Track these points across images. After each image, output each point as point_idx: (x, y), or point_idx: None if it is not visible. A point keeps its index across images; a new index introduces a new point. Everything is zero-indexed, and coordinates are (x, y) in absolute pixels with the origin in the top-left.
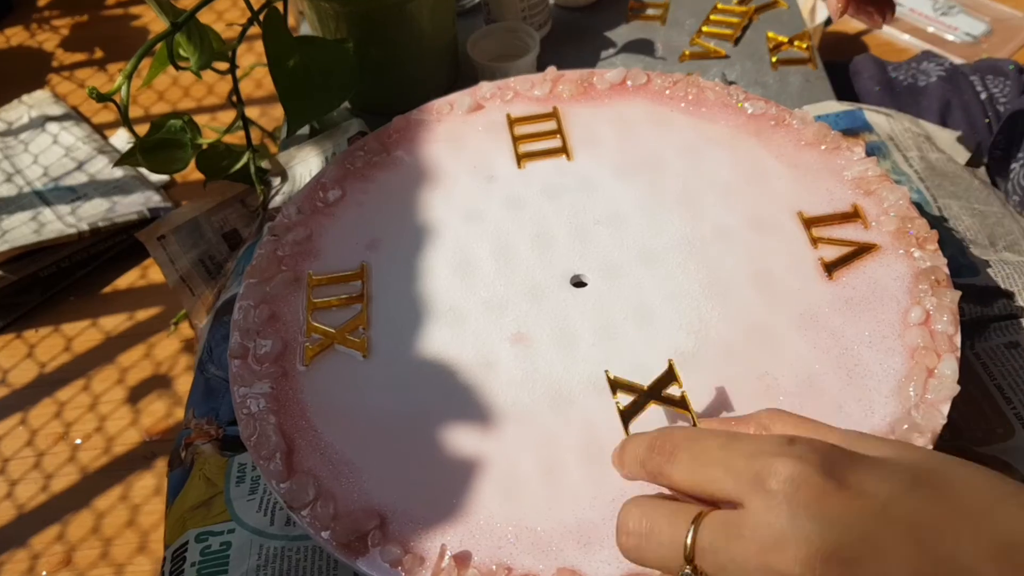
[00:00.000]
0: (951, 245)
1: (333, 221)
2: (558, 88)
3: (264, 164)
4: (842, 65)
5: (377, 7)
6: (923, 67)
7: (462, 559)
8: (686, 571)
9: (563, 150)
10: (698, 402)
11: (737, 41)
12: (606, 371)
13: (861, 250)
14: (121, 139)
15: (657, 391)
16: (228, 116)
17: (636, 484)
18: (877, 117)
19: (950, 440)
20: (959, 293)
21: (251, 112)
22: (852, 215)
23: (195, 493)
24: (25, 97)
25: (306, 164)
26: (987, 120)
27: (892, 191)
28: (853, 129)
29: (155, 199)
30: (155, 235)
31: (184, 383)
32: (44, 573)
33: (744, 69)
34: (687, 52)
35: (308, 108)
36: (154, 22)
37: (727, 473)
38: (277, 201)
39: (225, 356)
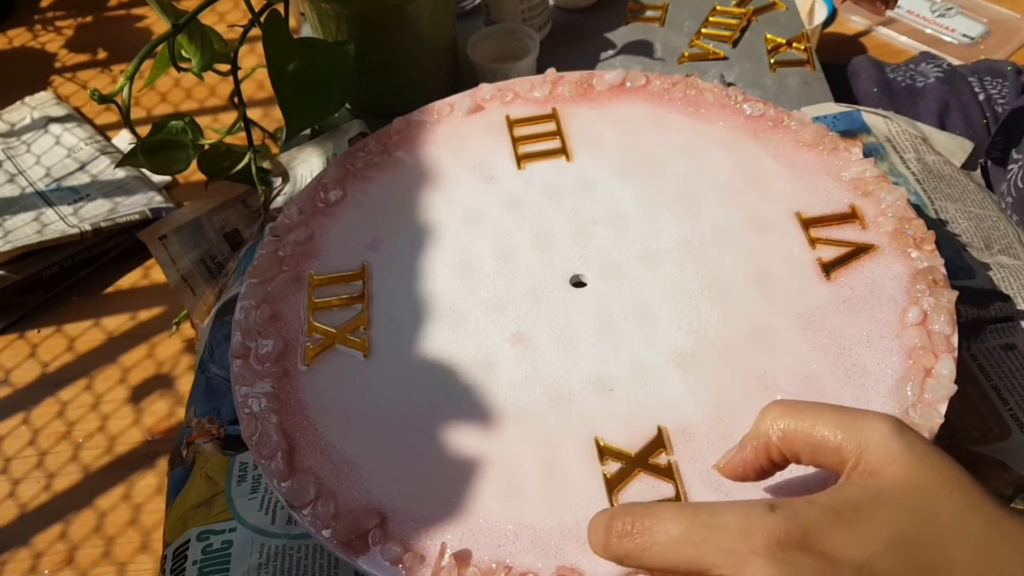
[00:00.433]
0: (948, 247)
1: (334, 221)
2: (558, 89)
3: (265, 165)
4: (840, 67)
5: (378, 9)
6: (921, 68)
7: (462, 557)
8: None
9: (563, 151)
10: (696, 401)
11: (736, 43)
12: (596, 438)
13: (859, 250)
14: (123, 140)
15: (644, 459)
16: (230, 117)
17: (636, 483)
18: (875, 119)
19: (947, 439)
20: (956, 293)
21: (253, 113)
22: (850, 216)
23: (196, 492)
24: (28, 98)
25: (307, 165)
26: (985, 121)
27: (890, 192)
28: (851, 131)
29: (157, 199)
30: (157, 235)
31: (186, 383)
32: (46, 572)
33: (743, 70)
34: (686, 53)
35: (307, 113)
36: (156, 24)
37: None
38: (278, 201)
39: (226, 356)
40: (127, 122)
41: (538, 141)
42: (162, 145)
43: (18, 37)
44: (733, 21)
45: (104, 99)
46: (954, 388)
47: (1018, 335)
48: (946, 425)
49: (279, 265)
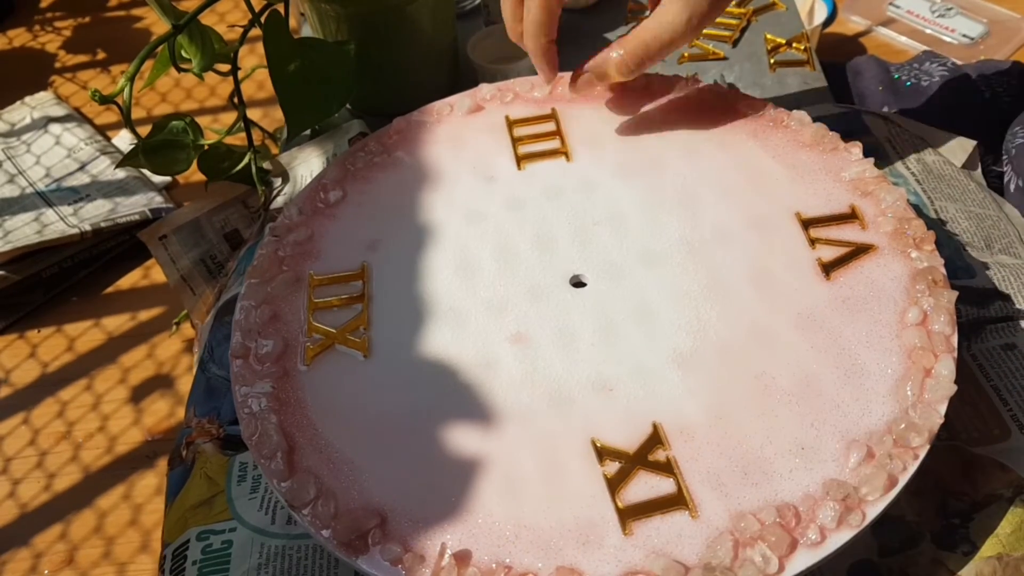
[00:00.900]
0: (948, 247)
1: (334, 222)
2: (558, 89)
3: (265, 165)
4: (840, 67)
5: (378, 9)
6: (925, 67)
7: (462, 557)
8: None
9: (563, 151)
10: (696, 401)
11: (735, 43)
12: (593, 439)
13: (859, 251)
14: (124, 140)
15: (643, 456)
16: (230, 117)
17: (636, 482)
18: (874, 119)
19: (947, 439)
20: (956, 293)
21: (253, 113)
22: (850, 216)
23: (196, 492)
24: (27, 98)
25: (307, 165)
26: (992, 118)
27: (890, 192)
28: (850, 131)
29: (157, 200)
30: (157, 235)
31: (186, 383)
32: (46, 572)
33: (742, 71)
34: (686, 54)
35: (307, 114)
36: (156, 24)
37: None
38: (278, 202)
39: (226, 356)
40: (128, 122)
41: (538, 141)
42: (162, 145)
43: (18, 37)
44: (733, 21)
45: (105, 99)
46: (954, 388)
47: (1018, 335)
48: (946, 425)
49: (279, 265)
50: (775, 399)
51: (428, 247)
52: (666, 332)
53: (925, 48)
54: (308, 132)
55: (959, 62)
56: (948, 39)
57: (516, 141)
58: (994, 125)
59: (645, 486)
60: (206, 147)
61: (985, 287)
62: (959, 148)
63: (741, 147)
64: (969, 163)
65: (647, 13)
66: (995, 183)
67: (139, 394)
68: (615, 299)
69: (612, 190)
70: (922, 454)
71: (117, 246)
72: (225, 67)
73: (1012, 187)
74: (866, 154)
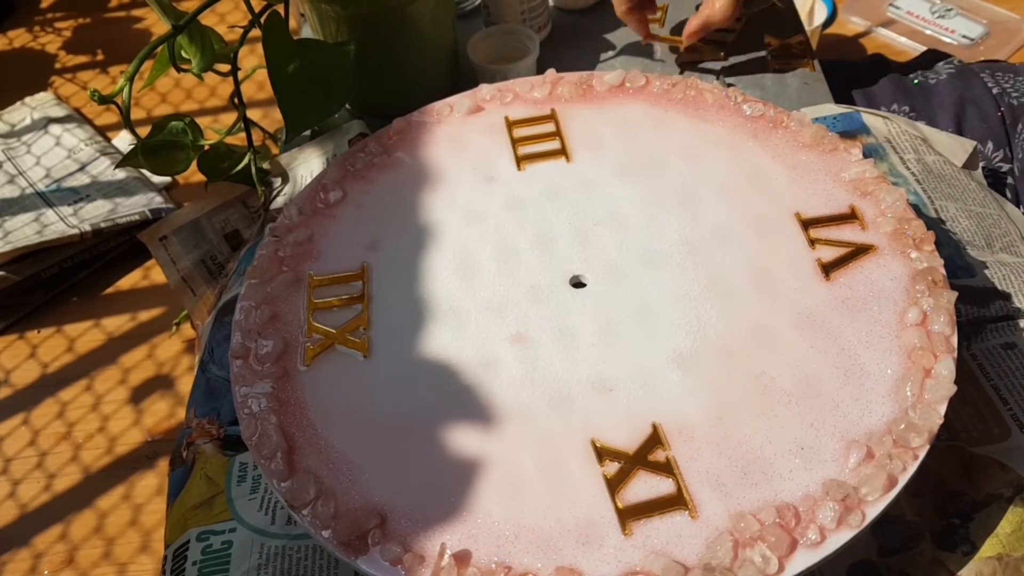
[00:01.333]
0: (948, 246)
1: (334, 222)
2: (557, 90)
3: (265, 165)
4: (840, 67)
5: (378, 10)
6: (933, 66)
7: (462, 558)
8: None
9: (562, 152)
10: (696, 401)
11: (736, 43)
12: (592, 439)
13: (858, 251)
14: (123, 141)
15: (643, 456)
16: (230, 118)
17: (636, 482)
18: (874, 120)
19: (947, 440)
20: (956, 294)
21: (253, 114)
22: (849, 216)
23: (196, 492)
24: (28, 99)
25: (307, 165)
26: (1000, 114)
27: (889, 192)
28: (850, 131)
29: (157, 200)
30: (157, 236)
31: (186, 383)
32: (46, 572)
33: (743, 71)
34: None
35: (307, 114)
36: (156, 24)
37: None
38: (278, 202)
39: (226, 356)
40: (127, 123)
41: (538, 142)
42: (162, 146)
43: (18, 38)
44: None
45: (104, 100)
46: (954, 388)
47: (1018, 334)
48: (946, 425)
49: (279, 266)
50: (775, 399)
51: (428, 247)
52: (666, 332)
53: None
54: (308, 132)
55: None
56: (948, 40)
57: (516, 142)
58: (1002, 123)
59: (645, 486)
60: (206, 147)
61: (985, 286)
62: (959, 148)
63: (741, 147)
64: (969, 163)
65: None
66: (1003, 180)
67: (139, 395)
68: (615, 299)
69: (612, 190)
70: (922, 454)
71: (117, 246)
72: (225, 67)
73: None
74: (866, 154)
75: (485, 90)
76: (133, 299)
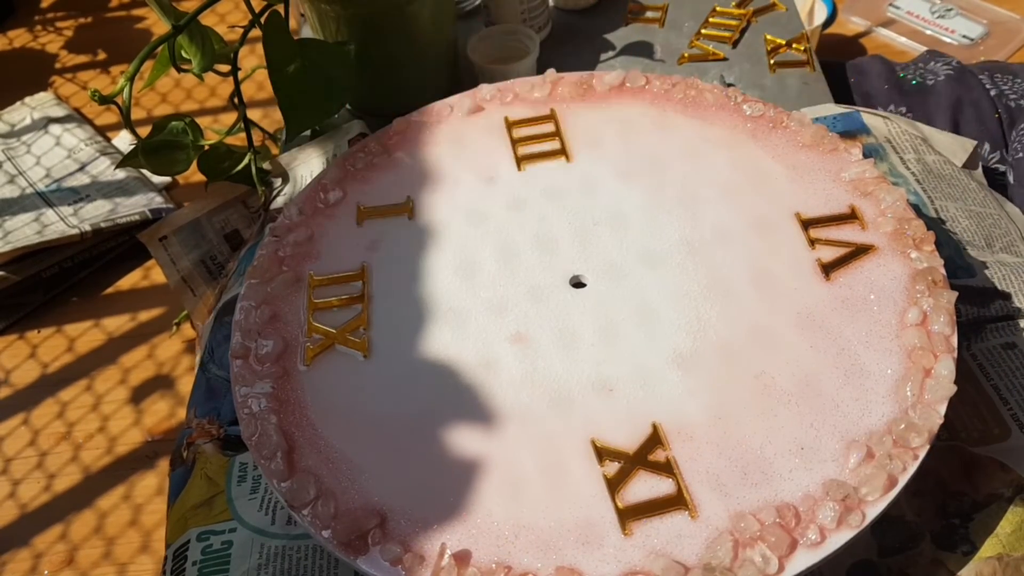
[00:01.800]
0: (948, 246)
1: (334, 222)
2: (557, 90)
3: (265, 165)
4: (840, 67)
5: (378, 10)
6: (931, 66)
7: (462, 558)
8: None
9: (562, 152)
10: (696, 401)
11: (735, 43)
12: (592, 439)
13: (858, 251)
14: (123, 141)
15: (643, 457)
16: (230, 118)
17: (636, 482)
18: (874, 120)
19: (947, 440)
20: (956, 294)
21: (253, 114)
22: (849, 216)
23: (197, 492)
24: (28, 99)
25: (307, 165)
26: (997, 115)
27: (889, 192)
28: (850, 131)
29: (157, 200)
30: (157, 236)
31: (186, 383)
32: (46, 572)
33: (742, 71)
34: (686, 54)
35: (307, 115)
36: (156, 24)
37: None
38: (278, 202)
39: (226, 356)
40: (127, 123)
41: (538, 142)
42: (162, 146)
43: (18, 38)
44: (733, 22)
45: (105, 100)
46: (953, 388)
47: (1018, 334)
48: (946, 425)
49: (279, 265)
50: (775, 399)
51: (428, 247)
52: (666, 332)
53: (925, 48)
54: (308, 132)
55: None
56: (948, 40)
57: (516, 142)
58: (999, 124)
59: (645, 486)
60: (206, 147)
61: (985, 286)
62: (959, 148)
63: (741, 147)
64: (969, 163)
65: (647, 14)
66: (1000, 182)
67: (139, 395)
68: (615, 299)
69: (612, 191)
70: (922, 454)
71: (117, 246)
72: (225, 67)
73: (1017, 186)
74: (866, 154)
75: (485, 90)
76: (133, 299)
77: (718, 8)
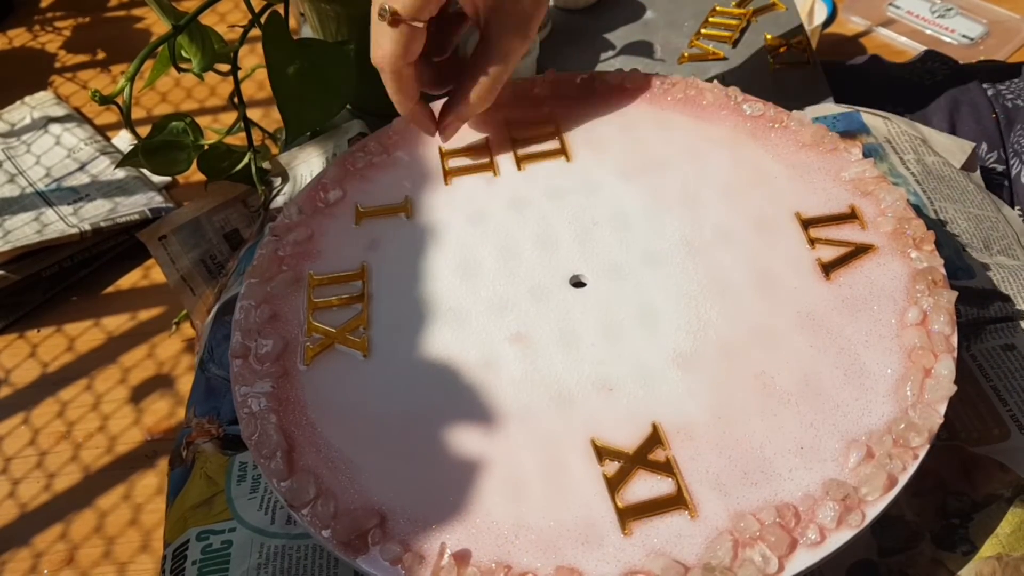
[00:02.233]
0: (948, 247)
1: (334, 221)
2: (558, 90)
3: (265, 165)
4: (840, 67)
5: None
6: (928, 67)
7: (462, 557)
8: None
9: (562, 151)
10: (696, 401)
11: (735, 43)
12: (592, 439)
13: (858, 251)
14: (123, 140)
15: (643, 456)
16: (230, 117)
17: (636, 482)
18: (874, 120)
19: (947, 440)
20: (956, 294)
21: (253, 113)
22: (850, 216)
23: (196, 492)
24: (27, 98)
25: (307, 165)
26: (994, 116)
27: (889, 192)
28: (850, 131)
29: (157, 199)
30: (156, 235)
31: (186, 383)
32: (46, 572)
33: (742, 71)
34: (686, 54)
35: (307, 117)
36: (156, 24)
37: None
38: (278, 201)
39: (226, 355)
40: (127, 123)
41: (538, 142)
42: (162, 145)
43: (17, 37)
44: (733, 21)
45: (105, 100)
46: (953, 388)
47: (1018, 335)
48: (946, 425)
49: (279, 265)
50: (775, 399)
51: (428, 247)
52: (666, 332)
53: (925, 48)
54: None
55: (961, 62)
56: (948, 39)
57: (515, 142)
58: (996, 125)
59: (645, 486)
60: (206, 147)
61: (985, 288)
62: (958, 150)
63: (741, 147)
64: (968, 165)
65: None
66: (996, 182)
67: (139, 394)
68: (616, 299)
69: (612, 190)
70: (922, 454)
71: (117, 246)
72: (225, 67)
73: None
74: (866, 154)
75: None
76: (133, 299)
77: (718, 8)
